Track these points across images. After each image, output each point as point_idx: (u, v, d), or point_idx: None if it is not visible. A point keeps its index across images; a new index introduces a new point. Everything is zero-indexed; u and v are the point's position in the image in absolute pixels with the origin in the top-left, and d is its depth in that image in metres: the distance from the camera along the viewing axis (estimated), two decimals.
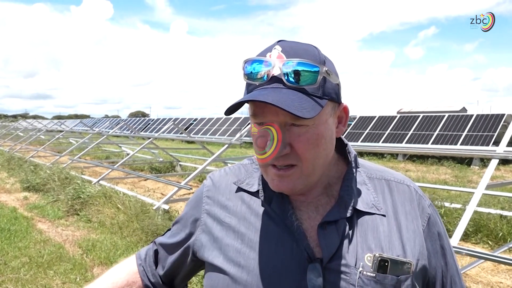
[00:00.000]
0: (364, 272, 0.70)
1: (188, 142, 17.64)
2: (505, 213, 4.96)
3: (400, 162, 13.65)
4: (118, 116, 61.17)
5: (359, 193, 0.77)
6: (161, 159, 11.06)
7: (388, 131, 15.33)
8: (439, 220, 0.81)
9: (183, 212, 0.91)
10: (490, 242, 4.52)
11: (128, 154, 11.00)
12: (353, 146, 0.92)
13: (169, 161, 10.78)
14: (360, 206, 0.76)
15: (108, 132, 11.83)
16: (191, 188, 5.84)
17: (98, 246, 4.34)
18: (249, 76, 0.72)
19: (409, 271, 0.71)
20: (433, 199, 5.60)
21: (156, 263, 0.93)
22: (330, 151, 0.76)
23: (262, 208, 0.79)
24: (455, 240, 2.93)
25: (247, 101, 0.69)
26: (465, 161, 12.78)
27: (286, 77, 0.68)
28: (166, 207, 5.20)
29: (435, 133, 14.04)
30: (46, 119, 57.43)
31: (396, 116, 16.13)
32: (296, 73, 0.68)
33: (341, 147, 0.84)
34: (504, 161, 11.53)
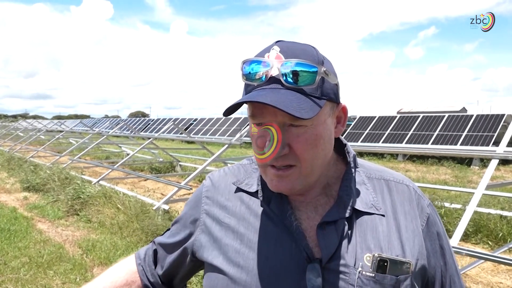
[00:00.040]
0: (363, 272, 0.70)
1: (188, 142, 17.64)
2: (505, 213, 4.96)
3: (400, 162, 13.65)
4: (118, 116, 61.17)
5: (358, 193, 0.78)
6: (161, 159, 11.07)
7: (388, 131, 15.33)
8: (438, 220, 0.81)
9: (183, 212, 0.92)
10: (490, 243, 4.52)
11: (128, 154, 11.00)
12: (353, 146, 0.92)
13: (169, 161, 10.78)
14: (359, 206, 0.76)
15: (108, 132, 11.84)
16: (191, 188, 5.84)
17: (98, 246, 4.34)
18: (247, 76, 0.72)
19: (408, 271, 0.71)
20: (433, 199, 5.60)
21: (155, 262, 0.93)
22: (328, 151, 0.76)
23: (261, 208, 0.79)
24: (455, 241, 2.93)
25: (245, 102, 0.69)
26: (465, 161, 12.77)
27: (284, 78, 0.68)
28: (166, 207, 5.20)
29: (435, 133, 14.04)
30: (46, 119, 57.44)
31: (396, 116, 16.13)
32: (295, 73, 0.68)
33: (340, 147, 0.84)
34: (504, 161, 11.53)
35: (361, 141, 15.28)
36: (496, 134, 12.64)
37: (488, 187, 3.67)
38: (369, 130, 15.85)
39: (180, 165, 10.43)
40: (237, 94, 0.78)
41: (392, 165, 12.46)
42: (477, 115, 13.97)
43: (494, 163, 3.57)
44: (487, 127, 13.19)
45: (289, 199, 0.78)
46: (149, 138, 8.68)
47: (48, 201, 6.52)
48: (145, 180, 8.66)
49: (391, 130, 15.30)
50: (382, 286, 0.69)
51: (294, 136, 0.70)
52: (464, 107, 25.60)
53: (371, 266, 0.70)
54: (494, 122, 13.25)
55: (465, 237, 4.67)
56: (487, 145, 12.40)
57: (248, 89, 0.72)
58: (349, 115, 0.83)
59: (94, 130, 13.50)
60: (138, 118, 37.14)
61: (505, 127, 12.48)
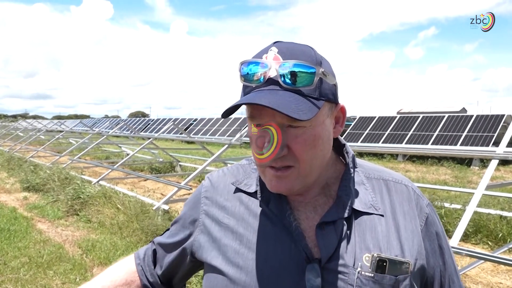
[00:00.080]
0: (363, 272, 0.70)
1: (188, 142, 17.64)
2: (505, 213, 4.96)
3: (400, 163, 13.65)
4: (118, 116, 61.17)
5: (357, 193, 0.78)
6: (161, 159, 11.07)
7: (388, 131, 15.33)
8: (437, 220, 0.81)
9: (182, 213, 0.92)
10: (490, 243, 4.52)
11: (128, 154, 11.00)
12: (353, 147, 0.93)
13: (169, 161, 10.78)
14: (358, 206, 0.76)
15: (108, 132, 11.84)
16: (191, 188, 5.84)
17: (98, 246, 4.34)
18: (245, 78, 0.72)
19: (407, 271, 0.71)
20: (433, 199, 5.60)
21: (154, 262, 0.94)
22: (327, 151, 0.76)
23: (260, 209, 0.79)
24: (455, 241, 2.93)
25: (243, 104, 0.69)
26: (465, 161, 12.78)
27: (282, 79, 0.68)
28: (166, 207, 5.20)
29: (435, 134, 14.04)
30: (46, 119, 57.41)
31: (396, 117, 16.13)
32: (293, 74, 0.68)
33: (339, 147, 0.84)
34: (504, 162, 11.52)
35: (361, 142, 15.27)
36: (496, 135, 12.64)
37: (488, 188, 3.67)
38: (369, 130, 15.85)
39: (180, 165, 10.43)
40: (237, 94, 0.78)
41: (392, 166, 12.46)
42: (477, 116, 13.97)
43: (494, 163, 3.57)
44: (487, 127, 13.19)
45: (288, 199, 0.78)
46: (149, 138, 8.68)
47: (48, 201, 6.52)
48: (145, 180, 8.66)
49: (391, 131, 15.30)
50: (381, 286, 0.69)
51: (293, 137, 0.70)
52: (464, 108, 25.58)
53: (370, 266, 0.70)
54: (494, 122, 13.26)
55: (465, 238, 4.67)
56: (487, 145, 12.40)
57: (246, 91, 0.73)
58: (349, 115, 0.83)
59: (94, 130, 13.50)
60: (138, 118, 37.13)
61: (505, 128, 12.48)
